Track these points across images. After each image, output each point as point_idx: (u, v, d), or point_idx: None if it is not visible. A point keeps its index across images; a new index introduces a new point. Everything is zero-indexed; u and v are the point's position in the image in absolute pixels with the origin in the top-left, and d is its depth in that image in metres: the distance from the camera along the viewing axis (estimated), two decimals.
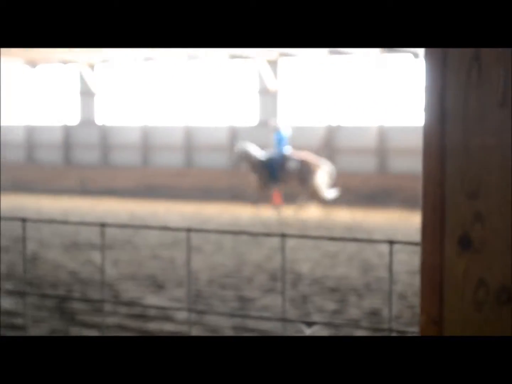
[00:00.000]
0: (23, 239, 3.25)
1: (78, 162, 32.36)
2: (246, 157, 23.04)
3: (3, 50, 26.45)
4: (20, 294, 11.41)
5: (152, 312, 10.33)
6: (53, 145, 32.79)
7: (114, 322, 9.76)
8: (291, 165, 22.48)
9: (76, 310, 10.48)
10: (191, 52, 27.90)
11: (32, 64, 32.62)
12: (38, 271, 13.01)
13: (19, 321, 9.85)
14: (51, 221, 3.03)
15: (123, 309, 10.42)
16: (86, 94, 31.83)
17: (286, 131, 23.31)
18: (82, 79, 31.80)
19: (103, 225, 3.21)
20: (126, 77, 31.10)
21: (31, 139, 33.21)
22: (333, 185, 22.91)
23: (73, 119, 32.48)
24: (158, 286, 12.05)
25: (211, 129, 29.54)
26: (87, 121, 32.05)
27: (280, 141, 23.05)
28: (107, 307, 10.59)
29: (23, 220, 3.01)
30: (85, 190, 30.11)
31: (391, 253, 2.90)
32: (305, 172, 22.32)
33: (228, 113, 29.04)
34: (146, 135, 30.40)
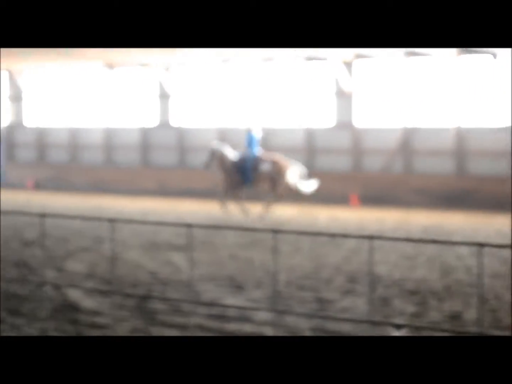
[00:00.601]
0: (111, 240, 3.31)
1: (156, 163, 32.71)
2: (219, 157, 22.81)
3: (82, 52, 26.86)
4: (102, 293, 11.59)
5: (231, 312, 10.38)
6: (131, 147, 33.21)
7: (194, 322, 9.84)
8: (263, 166, 22.12)
9: (156, 310, 10.60)
10: (266, 54, 27.94)
11: (111, 66, 33.10)
12: (119, 271, 13.19)
13: (101, 320, 10.01)
14: (142, 222, 3.08)
15: (203, 310, 10.50)
16: (163, 96, 32.15)
17: (257, 133, 22.85)
18: (159, 82, 32.14)
19: (189, 225, 3.25)
20: (201, 79, 31.31)
21: (110, 141, 33.69)
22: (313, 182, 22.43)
23: (151, 121, 32.83)
24: (237, 286, 12.10)
25: (288, 131, 29.53)
26: (164, 123, 32.37)
27: (251, 142, 22.59)
28: (187, 307, 10.69)
29: (111, 221, 3.05)
30: (163, 191, 30.42)
31: (480, 255, 2.87)
32: (275, 173, 21.95)
33: (305, 115, 28.99)
34: (222, 136, 30.54)
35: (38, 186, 34.16)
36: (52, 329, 9.49)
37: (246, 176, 22.38)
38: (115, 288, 11.88)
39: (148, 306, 10.82)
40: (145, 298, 11.21)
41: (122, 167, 33.32)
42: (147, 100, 32.79)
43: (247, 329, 9.48)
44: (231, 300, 11.08)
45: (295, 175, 22.17)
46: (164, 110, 32.41)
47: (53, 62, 31.93)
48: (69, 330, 9.45)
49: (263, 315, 10.10)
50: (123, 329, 9.50)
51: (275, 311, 10.15)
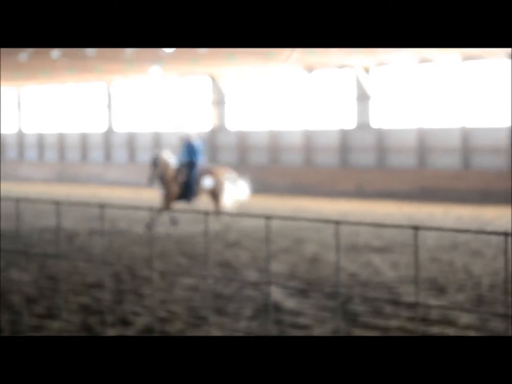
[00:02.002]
0: (337, 245, 3.32)
1: (355, 165, 32.70)
2: (162, 166, 19.84)
3: (281, 55, 27.28)
4: (304, 294, 11.70)
5: (433, 315, 10.19)
6: (330, 148, 33.37)
7: (395, 324, 9.74)
8: (206, 179, 19.84)
9: (357, 311, 10.57)
10: (467, 53, 27.30)
11: (309, 69, 33.41)
12: (319, 272, 13.27)
13: (302, 320, 10.10)
14: (364, 224, 3.08)
15: (404, 312, 10.38)
16: (362, 98, 32.11)
17: (198, 141, 20.46)
18: (358, 83, 32.13)
19: (416, 228, 3.21)
20: (401, 79, 31.00)
21: (309, 143, 34.01)
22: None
23: (350, 123, 32.87)
24: (438, 289, 11.88)
25: (489, 130, 28.71)
26: (363, 125, 32.31)
27: (192, 150, 20.05)
28: (388, 309, 10.60)
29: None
30: (361, 193, 30.36)
31: None
32: (217, 186, 19.78)
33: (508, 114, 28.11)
34: (422, 137, 30.11)
35: None
36: (256, 328, 9.68)
37: (189, 190, 19.68)
38: (316, 289, 11.96)
39: (349, 308, 10.81)
40: (346, 300, 11.22)
41: (321, 168, 33.55)
42: (346, 102, 32.83)
43: (450, 332, 9.29)
44: (433, 303, 10.88)
45: (233, 187, 20.25)
46: (363, 112, 32.34)
47: (254, 66, 32.62)
48: (272, 330, 9.60)
49: (466, 319, 9.86)
50: (324, 330, 9.54)
51: (479, 314, 9.89)
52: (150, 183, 19.84)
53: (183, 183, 19.55)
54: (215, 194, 19.84)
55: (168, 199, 19.60)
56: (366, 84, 31.79)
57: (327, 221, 2.48)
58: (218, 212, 19.02)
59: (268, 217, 2.88)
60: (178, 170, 19.75)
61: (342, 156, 32.93)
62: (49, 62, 29.97)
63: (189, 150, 20.04)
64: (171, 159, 20.04)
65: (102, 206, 3.95)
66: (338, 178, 32.41)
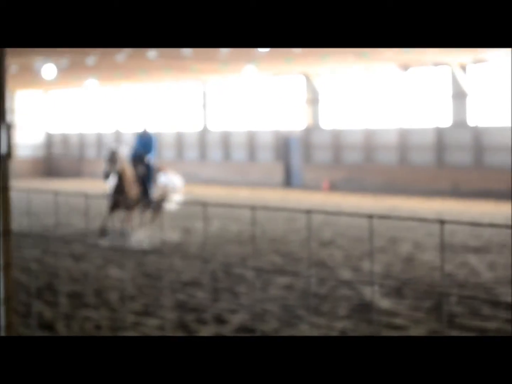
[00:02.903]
0: (441, 243, 3.31)
1: (451, 163, 32.23)
2: (120, 161, 16.89)
3: (377, 54, 27.10)
4: (399, 294, 11.61)
5: None
6: (426, 147, 32.98)
7: (493, 326, 9.57)
8: (161, 177, 18.00)
9: (454, 312, 10.43)
10: None
11: (404, 67, 33.08)
12: (414, 272, 13.14)
13: (397, 321, 10.02)
14: (470, 223, 3.05)
15: (503, 314, 10.19)
16: (458, 95, 31.62)
17: (151, 135, 18.20)
18: (454, 81, 31.65)
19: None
20: (498, 77, 30.40)
21: (404, 142, 33.68)
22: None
23: (445, 121, 32.42)
24: None
25: None
26: (459, 123, 31.83)
27: (147, 145, 17.82)
28: (486, 310, 10.42)
29: (442, 222, 2.99)
30: (457, 192, 29.91)
31: None
32: (169, 183, 18.15)
33: None
34: None
35: (333, 187, 34.93)
36: (351, 329, 9.65)
37: (148, 188, 17.56)
38: (411, 289, 11.85)
39: (445, 309, 10.67)
40: (442, 301, 11.07)
41: (416, 167, 33.19)
42: (441, 100, 32.39)
43: None
44: None
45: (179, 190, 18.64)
46: (459, 109, 31.85)
47: (348, 64, 32.48)
48: (366, 330, 9.56)
49: None
50: (419, 331, 9.45)
51: None
52: (105, 178, 16.90)
53: (142, 181, 17.36)
54: (166, 192, 18.25)
55: (119, 203, 16.88)
56: (463, 81, 31.28)
57: (431, 221, 2.46)
58: (155, 216, 17.94)
59: (370, 216, 2.87)
60: (135, 166, 17.40)
61: (437, 154, 32.50)
62: (146, 62, 30.49)
63: (143, 143, 17.88)
64: (127, 154, 17.47)
65: (204, 204, 4.02)
66: (434, 177, 32.00)
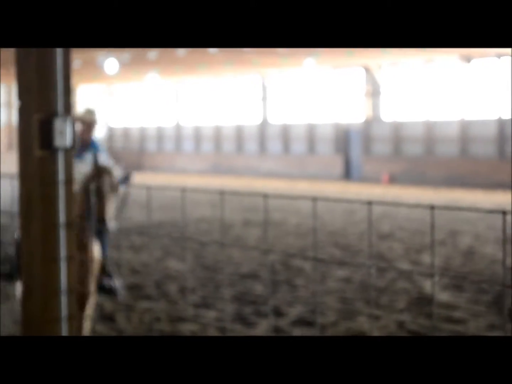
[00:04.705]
0: (504, 236, 3.30)
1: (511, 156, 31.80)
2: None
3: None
4: (458, 287, 11.52)
5: None
6: (487, 139, 32.57)
7: None
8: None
9: None
10: None
11: (467, 58, 32.71)
12: (475, 265, 13.03)
13: (457, 314, 9.95)
14: None
15: None
16: None
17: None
18: None
19: None
20: None
21: (466, 133, 33.33)
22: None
23: (508, 113, 31.97)
24: None
25: None
26: None
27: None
28: None
29: (504, 213, 2.96)
30: None
31: None
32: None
33: None
34: None
35: (393, 179, 34.72)
36: (409, 321, 9.62)
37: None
38: (471, 282, 11.75)
39: (506, 302, 10.56)
40: (502, 294, 10.96)
41: (477, 159, 32.82)
42: (504, 91, 31.96)
43: None
44: None
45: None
46: None
47: (409, 56, 32.24)
48: (425, 323, 9.52)
49: None
50: (478, 325, 9.38)
51: None
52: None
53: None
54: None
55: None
56: None
57: (492, 212, 2.47)
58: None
59: (432, 207, 2.88)
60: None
61: (499, 146, 32.08)
62: (207, 57, 30.67)
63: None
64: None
65: (265, 196, 4.05)
66: (495, 169, 31.59)
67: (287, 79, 40.98)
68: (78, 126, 8.29)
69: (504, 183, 30.14)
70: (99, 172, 7.19)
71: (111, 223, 7.07)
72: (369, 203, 3.27)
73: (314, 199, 4.12)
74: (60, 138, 3.14)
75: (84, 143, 8.41)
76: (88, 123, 8.42)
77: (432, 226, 3.19)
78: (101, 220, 7.03)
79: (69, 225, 3.26)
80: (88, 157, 8.15)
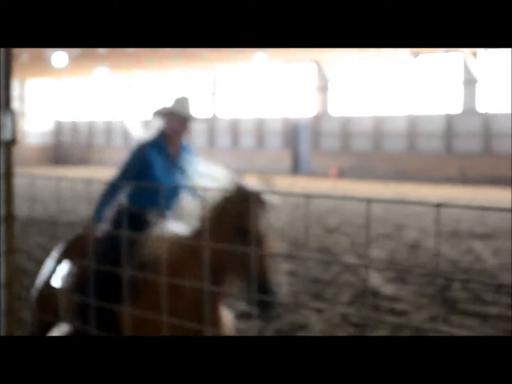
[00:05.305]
0: (437, 228, 3.35)
1: (459, 151, 32.18)
2: None
3: None
4: (402, 280, 11.65)
5: None
6: (435, 134, 32.93)
7: (494, 312, 9.61)
8: None
9: (457, 298, 10.47)
10: None
11: (415, 53, 33.00)
12: (419, 258, 13.17)
13: (400, 306, 10.06)
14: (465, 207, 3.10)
15: (505, 299, 10.21)
16: (469, 82, 31.54)
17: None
18: (465, 67, 31.56)
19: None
20: (509, 63, 30.29)
21: (414, 129, 33.64)
22: None
23: (455, 108, 32.34)
24: None
25: None
26: (469, 110, 31.76)
27: None
28: (488, 296, 10.46)
29: (439, 206, 3.04)
30: (465, 179, 29.89)
31: None
32: None
33: None
34: None
35: (341, 174, 34.93)
36: (352, 314, 9.70)
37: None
38: (415, 275, 11.89)
39: (448, 294, 10.71)
40: (445, 287, 11.12)
41: (424, 154, 33.17)
42: (452, 87, 32.32)
43: None
44: None
45: None
46: (469, 96, 31.78)
47: (359, 51, 32.43)
48: (369, 316, 9.61)
49: None
50: (421, 317, 9.49)
51: None
52: None
53: None
54: None
55: None
56: (474, 68, 31.20)
57: (427, 204, 2.48)
58: None
59: (369, 200, 2.92)
60: None
61: (446, 141, 32.46)
62: (157, 51, 30.53)
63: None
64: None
65: (206, 190, 4.08)
66: (442, 164, 31.98)
67: (238, 74, 40.96)
68: (168, 122, 5.74)
69: (451, 178, 30.51)
70: (244, 199, 4.50)
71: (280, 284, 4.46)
72: (307, 196, 3.29)
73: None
74: (1, 132, 3.13)
75: (175, 145, 5.75)
76: (183, 118, 5.78)
77: (368, 219, 3.23)
78: (264, 281, 4.38)
79: (9, 218, 3.24)
80: (183, 166, 5.62)
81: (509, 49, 29.69)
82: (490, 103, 31.17)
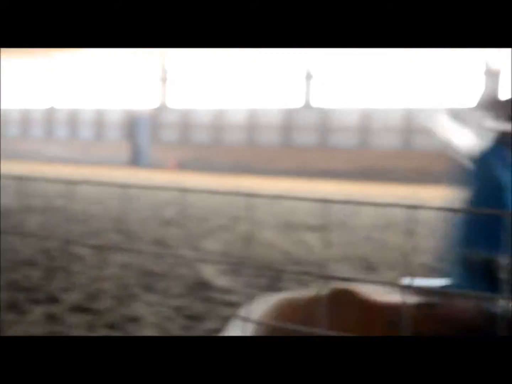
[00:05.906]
0: (249, 218, 3.33)
1: (297, 144, 32.80)
2: None
3: None
4: (236, 272, 11.74)
5: None
6: (274, 127, 33.42)
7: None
8: None
9: (285, 288, 10.64)
10: None
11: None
12: (253, 250, 13.31)
13: (233, 298, 10.13)
14: (277, 197, 3.08)
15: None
16: (308, 77, 32.17)
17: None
18: (304, 64, 32.15)
19: (326, 201, 3.21)
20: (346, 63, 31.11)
21: (253, 122, 34.02)
22: None
23: (295, 103, 32.92)
24: (369, 268, 12.01)
25: (431, 112, 28.99)
26: (306, 104, 32.41)
27: None
28: (315, 285, 10.68)
29: (248, 195, 3.01)
30: (304, 172, 30.50)
31: None
32: None
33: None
34: (365, 117, 30.28)
35: (181, 166, 34.93)
36: (185, 306, 9.69)
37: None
38: (249, 267, 12.00)
39: (279, 285, 10.87)
40: (276, 277, 11.28)
41: (263, 147, 33.62)
42: (293, 81, 32.88)
43: None
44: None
45: None
46: (308, 91, 32.45)
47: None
48: (201, 308, 9.63)
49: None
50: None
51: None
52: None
53: None
54: None
55: None
56: (310, 64, 31.85)
57: (237, 194, 2.46)
58: None
59: (184, 190, 2.87)
60: None
61: (285, 135, 33.03)
62: None
63: None
64: None
65: (48, 181, 3.91)
66: (280, 156, 32.51)
67: (77, 62, 40.17)
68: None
69: (290, 170, 31.05)
70: None
71: None
72: (123, 186, 3.20)
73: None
74: None
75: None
76: None
77: (183, 208, 3.19)
78: None
79: None
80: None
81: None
82: (326, 98, 31.90)
